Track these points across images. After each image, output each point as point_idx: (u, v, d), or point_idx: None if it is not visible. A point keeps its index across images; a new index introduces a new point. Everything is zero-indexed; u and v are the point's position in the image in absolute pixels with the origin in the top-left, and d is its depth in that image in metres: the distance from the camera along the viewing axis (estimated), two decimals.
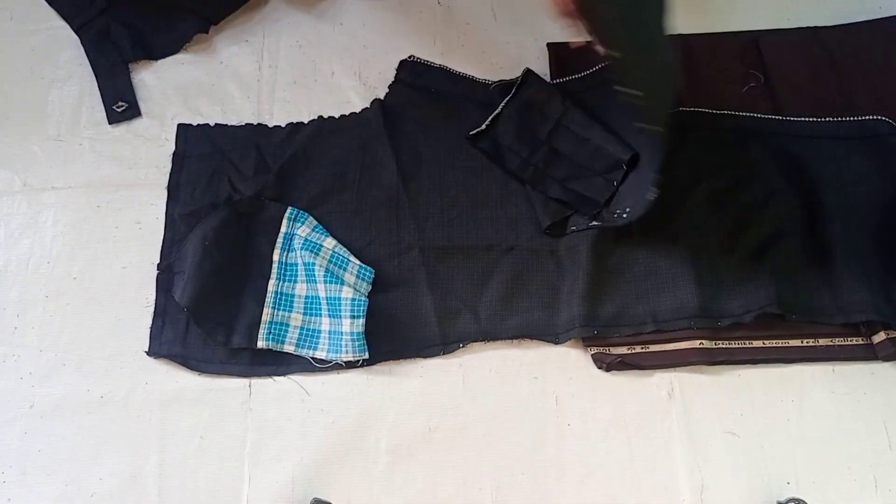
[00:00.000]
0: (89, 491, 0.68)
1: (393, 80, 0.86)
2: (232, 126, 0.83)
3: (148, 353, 0.73)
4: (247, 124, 0.83)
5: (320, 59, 0.88)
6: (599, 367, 0.73)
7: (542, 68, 0.87)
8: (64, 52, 0.88)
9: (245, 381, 0.72)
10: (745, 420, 0.71)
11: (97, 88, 0.85)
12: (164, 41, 0.88)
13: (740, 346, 0.72)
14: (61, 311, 0.75)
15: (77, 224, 0.79)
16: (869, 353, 0.72)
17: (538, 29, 0.89)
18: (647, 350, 0.73)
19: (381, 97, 0.84)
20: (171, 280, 0.76)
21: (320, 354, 0.72)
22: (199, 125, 0.83)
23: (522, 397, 0.72)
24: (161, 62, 0.87)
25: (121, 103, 0.84)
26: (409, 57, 0.86)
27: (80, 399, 0.72)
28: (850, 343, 0.73)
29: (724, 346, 0.72)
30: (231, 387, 0.72)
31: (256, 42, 0.89)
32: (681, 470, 0.69)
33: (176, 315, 0.74)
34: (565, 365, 0.73)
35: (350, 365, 0.72)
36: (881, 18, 0.88)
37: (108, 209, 0.80)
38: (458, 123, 0.82)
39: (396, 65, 0.87)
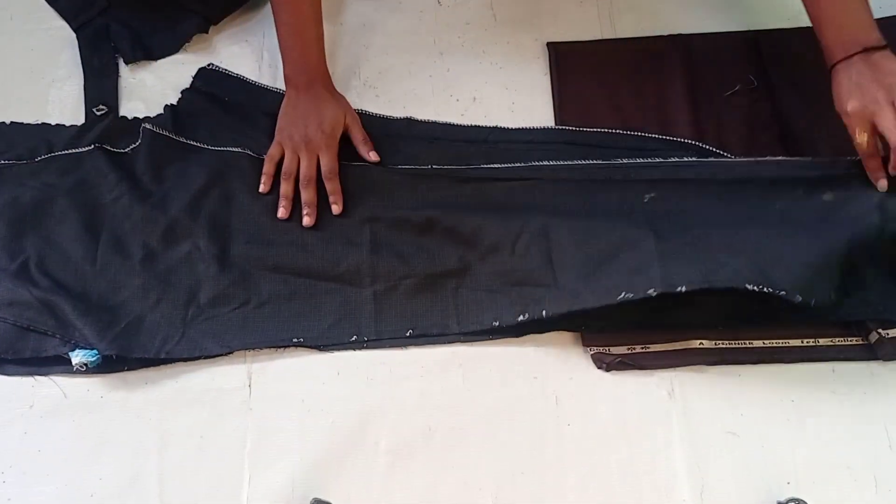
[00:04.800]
0: (89, 491, 0.68)
1: (188, 86, 0.85)
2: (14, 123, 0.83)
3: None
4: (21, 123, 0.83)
5: None
6: (599, 367, 0.73)
7: (542, 68, 0.87)
8: (64, 52, 0.88)
9: (245, 380, 0.72)
10: (745, 420, 0.71)
11: None
12: (163, 41, 0.88)
13: (740, 346, 0.72)
14: None
15: None
16: (869, 353, 0.72)
17: (538, 29, 0.89)
18: (647, 350, 0.73)
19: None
20: None
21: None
22: None
23: (522, 397, 0.72)
24: (161, 62, 0.87)
25: (101, 106, 0.84)
26: (208, 65, 0.86)
27: (80, 399, 0.72)
28: (850, 343, 0.73)
29: (724, 345, 0.72)
30: (231, 387, 0.72)
31: (256, 42, 0.89)
32: (681, 470, 0.69)
33: None
34: (565, 365, 0.73)
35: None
36: (881, 18, 0.88)
37: None
38: (251, 133, 0.81)
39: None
